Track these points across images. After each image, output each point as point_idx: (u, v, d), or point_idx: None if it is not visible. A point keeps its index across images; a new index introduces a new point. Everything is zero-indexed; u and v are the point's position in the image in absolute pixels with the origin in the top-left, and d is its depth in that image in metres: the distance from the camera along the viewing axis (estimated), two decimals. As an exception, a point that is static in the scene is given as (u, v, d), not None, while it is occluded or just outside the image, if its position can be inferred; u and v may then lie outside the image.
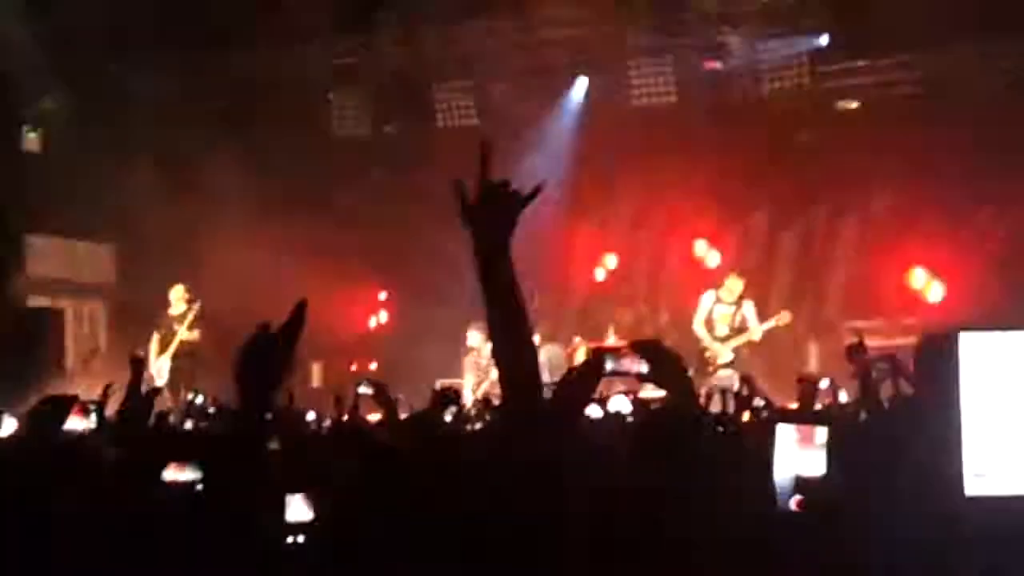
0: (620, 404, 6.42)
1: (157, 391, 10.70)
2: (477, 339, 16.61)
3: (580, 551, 2.35)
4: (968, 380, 2.39)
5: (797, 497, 2.39)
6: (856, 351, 6.62)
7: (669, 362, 3.42)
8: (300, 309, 2.80)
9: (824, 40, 15.45)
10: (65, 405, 4.98)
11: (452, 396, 6.08)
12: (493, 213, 2.95)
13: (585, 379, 3.81)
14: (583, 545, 2.36)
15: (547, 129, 17.49)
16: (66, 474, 4.46)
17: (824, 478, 2.38)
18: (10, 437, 6.49)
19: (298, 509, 4.66)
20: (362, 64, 17.72)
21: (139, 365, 7.39)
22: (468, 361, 16.73)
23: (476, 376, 16.37)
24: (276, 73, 17.90)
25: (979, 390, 2.39)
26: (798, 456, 2.41)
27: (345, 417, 9.38)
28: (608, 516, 2.88)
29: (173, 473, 3.39)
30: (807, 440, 2.45)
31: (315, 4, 15.95)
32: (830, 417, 2.40)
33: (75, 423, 4.99)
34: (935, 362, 2.42)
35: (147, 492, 3.37)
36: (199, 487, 3.43)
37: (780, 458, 2.39)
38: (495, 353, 3.09)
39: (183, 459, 3.42)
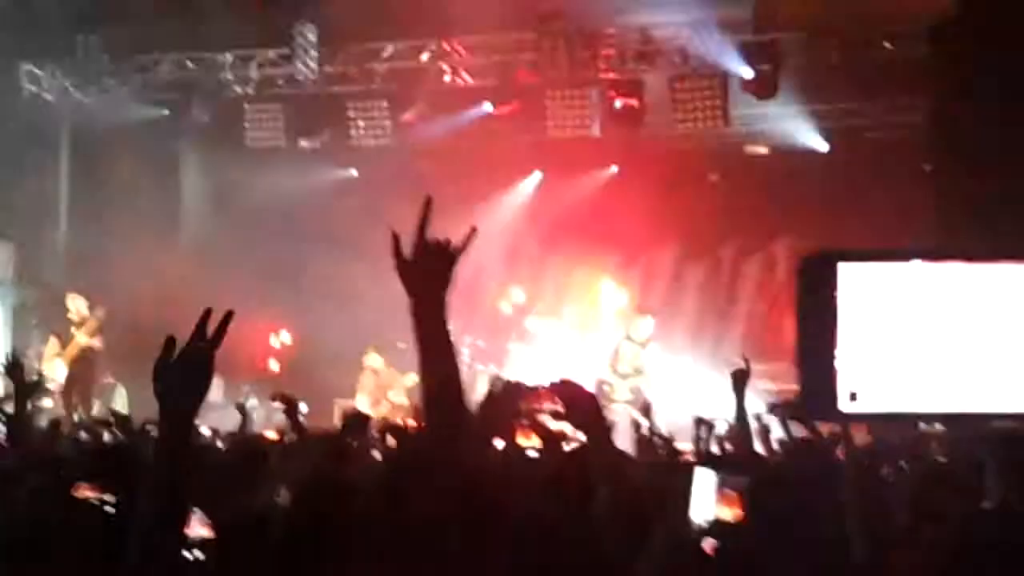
0: (533, 443, 6.40)
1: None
2: (377, 361, 16.61)
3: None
4: (845, 306, 2.57)
5: (711, 541, 2.44)
6: (739, 378, 6.52)
7: (586, 404, 3.46)
8: (226, 320, 2.82)
9: (748, 73, 15.53)
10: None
11: (361, 421, 6.05)
12: (429, 271, 2.97)
13: (501, 408, 3.86)
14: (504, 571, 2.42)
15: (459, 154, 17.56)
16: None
17: (741, 524, 2.44)
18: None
19: (197, 525, 4.63)
20: (279, 77, 17.67)
21: (17, 372, 7.00)
22: (365, 380, 16.69)
23: (372, 396, 16.35)
24: (192, 80, 17.77)
25: (855, 316, 2.58)
26: (712, 499, 2.47)
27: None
28: (527, 546, 2.92)
29: (86, 492, 3.34)
30: (721, 484, 2.51)
31: (236, 14, 15.85)
32: (745, 464, 2.48)
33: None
34: (812, 287, 2.58)
35: (57, 508, 3.33)
36: (109, 508, 3.38)
37: (696, 501, 2.46)
38: (424, 403, 3.07)
39: (97, 478, 3.38)
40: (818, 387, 2.45)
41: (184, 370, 2.81)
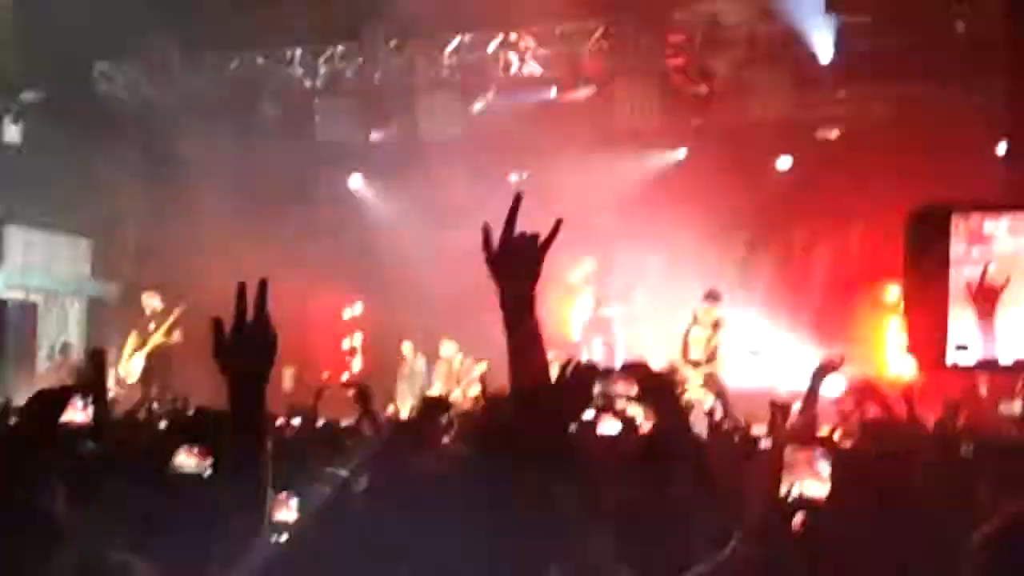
0: (610, 427, 6.33)
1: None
2: (451, 349, 16.69)
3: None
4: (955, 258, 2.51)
5: (799, 516, 2.45)
6: (824, 368, 6.42)
7: (661, 387, 3.45)
8: (262, 288, 2.87)
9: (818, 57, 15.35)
10: (59, 401, 4.93)
11: (442, 404, 6.10)
12: (517, 265, 2.99)
13: (575, 392, 3.85)
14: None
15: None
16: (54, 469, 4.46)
17: (827, 501, 2.45)
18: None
19: (281, 508, 4.69)
20: (349, 71, 17.77)
21: (99, 358, 7.17)
22: (439, 370, 16.78)
23: (446, 386, 16.42)
24: (262, 76, 17.92)
25: (965, 268, 2.52)
26: (800, 476, 2.48)
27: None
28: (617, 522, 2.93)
29: (184, 459, 3.38)
30: (809, 461, 2.52)
31: (306, 10, 15.98)
32: (832, 442, 2.48)
33: (71, 416, 4.92)
34: (925, 238, 2.53)
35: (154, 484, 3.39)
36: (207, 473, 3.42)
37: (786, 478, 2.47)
38: (514, 394, 3.09)
39: (193, 441, 3.41)
40: (927, 338, 2.43)
41: (242, 343, 2.89)
